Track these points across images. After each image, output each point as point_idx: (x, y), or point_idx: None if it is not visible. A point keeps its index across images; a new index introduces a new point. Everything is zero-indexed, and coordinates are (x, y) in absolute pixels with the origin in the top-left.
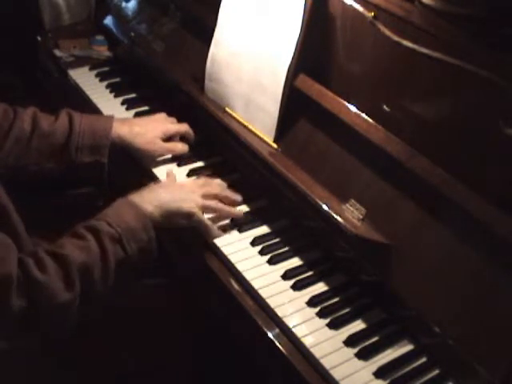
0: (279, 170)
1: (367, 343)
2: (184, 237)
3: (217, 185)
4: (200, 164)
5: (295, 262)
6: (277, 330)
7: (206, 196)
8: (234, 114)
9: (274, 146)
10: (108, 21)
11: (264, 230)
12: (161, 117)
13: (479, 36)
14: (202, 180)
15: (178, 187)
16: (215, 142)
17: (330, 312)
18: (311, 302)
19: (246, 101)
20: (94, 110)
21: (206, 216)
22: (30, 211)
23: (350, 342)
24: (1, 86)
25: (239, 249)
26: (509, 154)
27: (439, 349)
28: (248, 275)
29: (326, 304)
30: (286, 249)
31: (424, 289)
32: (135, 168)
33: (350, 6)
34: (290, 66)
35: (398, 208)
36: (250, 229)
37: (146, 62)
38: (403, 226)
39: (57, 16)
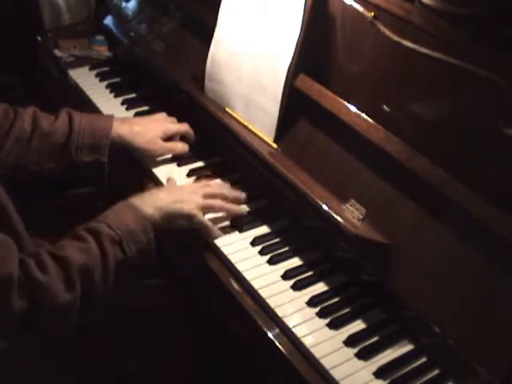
0: (279, 170)
1: (367, 343)
2: (184, 237)
3: (217, 185)
4: (200, 164)
5: (295, 261)
6: (277, 330)
7: (206, 196)
8: (234, 114)
9: (274, 145)
10: (108, 21)
11: (264, 229)
12: (161, 116)
13: (479, 36)
14: (203, 182)
15: (179, 189)
16: (215, 142)
17: (330, 312)
18: (311, 302)
19: (246, 101)
20: (93, 109)
21: (207, 217)
22: (30, 211)
23: (349, 342)
24: (1, 85)
25: (239, 249)
26: (509, 153)
27: (439, 349)
28: (248, 275)
29: (326, 304)
30: (286, 249)
31: (424, 289)
32: (135, 168)
33: (350, 6)
34: (290, 66)
35: (398, 208)
36: (250, 229)
37: (146, 61)
38: (403, 226)
39: (57, 16)
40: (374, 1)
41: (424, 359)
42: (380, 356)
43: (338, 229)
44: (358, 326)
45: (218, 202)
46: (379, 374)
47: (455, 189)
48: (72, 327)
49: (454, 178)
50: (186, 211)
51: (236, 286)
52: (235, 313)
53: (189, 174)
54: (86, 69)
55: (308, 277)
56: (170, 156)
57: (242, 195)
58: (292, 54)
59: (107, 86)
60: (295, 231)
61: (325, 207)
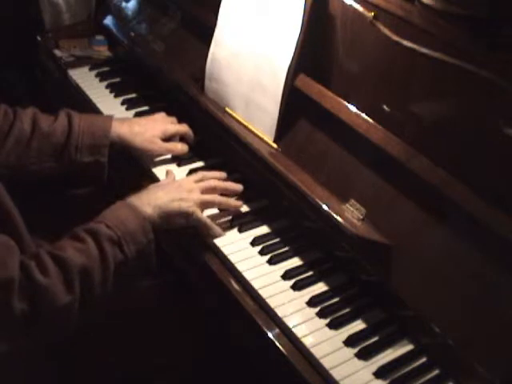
0: (279, 170)
1: (367, 343)
2: (184, 237)
3: (215, 178)
4: (200, 164)
5: (295, 261)
6: (277, 330)
7: (204, 190)
8: (234, 114)
9: (274, 145)
10: (108, 21)
11: (264, 229)
12: (160, 116)
13: (479, 36)
14: (200, 174)
15: (176, 187)
16: (215, 142)
17: (330, 312)
18: (311, 302)
19: (246, 101)
20: (93, 109)
21: (206, 214)
22: (30, 211)
23: (349, 342)
24: (1, 85)
25: (239, 249)
26: (509, 153)
27: (439, 349)
28: (248, 275)
29: (326, 304)
30: (286, 249)
31: (424, 289)
32: (135, 168)
33: (350, 5)
34: (289, 66)
35: (398, 208)
36: (250, 229)
37: (145, 62)
38: (403, 226)
39: (57, 16)
40: (374, 1)
41: (424, 359)
42: (380, 356)
43: (338, 229)
44: (357, 326)
45: (216, 197)
46: (379, 373)
47: (455, 189)
48: (72, 328)
49: (454, 178)
50: (184, 209)
51: (236, 286)
52: (235, 313)
53: (189, 174)
54: (85, 69)
55: (308, 277)
56: (169, 156)
57: (239, 187)
58: (292, 54)
59: (107, 86)
60: (295, 231)
61: (325, 207)
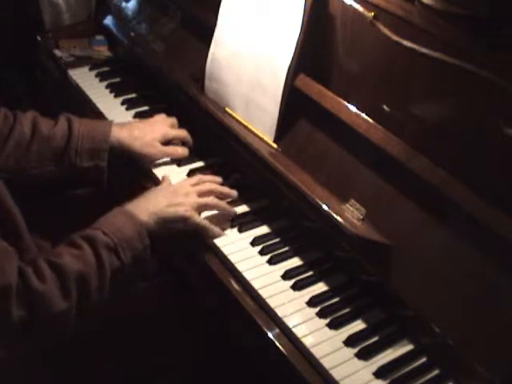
0: (279, 170)
1: (367, 343)
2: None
3: (211, 181)
4: (200, 164)
5: (295, 261)
6: (277, 330)
7: (201, 194)
8: (234, 114)
9: (274, 145)
10: (108, 21)
11: (264, 229)
12: (161, 118)
13: (479, 36)
14: (196, 178)
15: (172, 192)
16: (215, 142)
17: (330, 312)
18: (311, 302)
19: (246, 101)
20: (93, 110)
21: (204, 215)
22: (30, 211)
23: (349, 342)
24: (1, 85)
25: (239, 249)
26: (509, 153)
27: (439, 349)
28: (248, 275)
29: (326, 304)
30: (286, 249)
31: (424, 289)
32: (134, 172)
33: (350, 5)
34: (289, 66)
35: (398, 208)
36: (250, 229)
37: (145, 62)
38: (403, 226)
39: (57, 16)
40: (374, 1)
41: (424, 359)
42: (380, 356)
43: (338, 229)
44: (357, 326)
45: (212, 200)
46: (379, 373)
47: (455, 189)
48: (69, 334)
49: (454, 178)
50: (180, 214)
51: (236, 286)
52: (235, 313)
53: (189, 174)
54: (85, 69)
55: (308, 277)
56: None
57: (234, 193)
58: (292, 54)
59: (107, 86)
60: (295, 231)
61: (325, 207)
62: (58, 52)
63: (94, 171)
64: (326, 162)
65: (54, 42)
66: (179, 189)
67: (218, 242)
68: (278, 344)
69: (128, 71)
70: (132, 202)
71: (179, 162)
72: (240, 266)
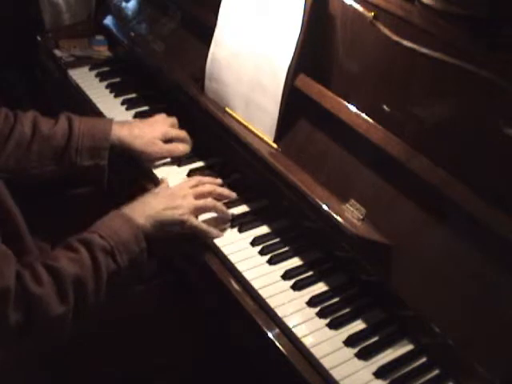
0: (279, 170)
1: (367, 343)
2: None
3: (209, 183)
4: (200, 164)
5: (295, 261)
6: (277, 330)
7: (198, 196)
8: (234, 114)
9: (274, 145)
10: (108, 21)
11: (264, 229)
12: (161, 117)
13: (479, 36)
14: (194, 180)
15: (169, 195)
16: (215, 142)
17: (330, 312)
18: (311, 302)
19: (246, 101)
20: (93, 109)
21: (202, 218)
22: (30, 211)
23: (349, 342)
24: (1, 85)
25: (239, 249)
26: (509, 153)
27: (439, 349)
28: (248, 275)
29: (326, 304)
30: (286, 249)
31: (424, 289)
32: (135, 171)
33: (350, 5)
34: (289, 66)
35: (398, 208)
36: (250, 229)
37: (145, 62)
38: (403, 226)
39: (57, 16)
40: (374, 1)
41: (424, 359)
42: (380, 356)
43: (338, 229)
44: (357, 326)
45: (210, 202)
46: (379, 373)
47: (455, 189)
48: (66, 337)
49: (454, 178)
50: (177, 218)
51: (236, 286)
52: (235, 313)
53: (189, 174)
54: (85, 69)
55: (308, 277)
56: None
57: (233, 194)
58: (292, 54)
59: (107, 86)
60: (295, 231)
61: (325, 207)
62: (58, 52)
63: (94, 170)
64: (326, 162)
65: (54, 42)
66: (177, 191)
67: (218, 242)
68: (277, 344)
69: (128, 71)
70: (129, 205)
71: (179, 162)
72: (240, 266)
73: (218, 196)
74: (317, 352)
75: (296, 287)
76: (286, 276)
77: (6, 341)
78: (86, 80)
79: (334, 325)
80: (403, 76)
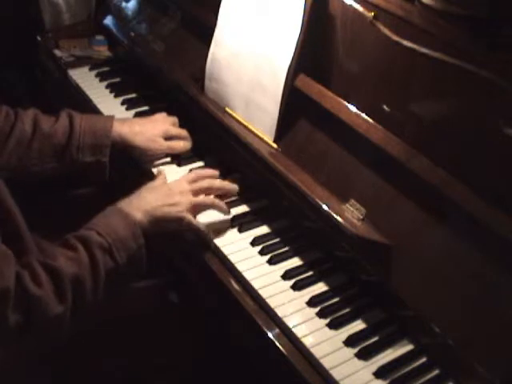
0: (279, 170)
1: (367, 343)
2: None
3: (208, 176)
4: (200, 164)
5: (295, 261)
6: (277, 330)
7: (196, 192)
8: (234, 114)
9: (274, 145)
10: (108, 21)
11: (264, 229)
12: (161, 116)
13: (479, 36)
14: (193, 174)
15: (167, 191)
16: (215, 142)
17: (330, 312)
18: (311, 302)
19: (246, 101)
20: (93, 109)
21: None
22: (31, 211)
23: (349, 342)
24: (1, 85)
25: (239, 249)
26: (509, 153)
27: (439, 349)
28: (248, 275)
29: (326, 304)
30: (286, 249)
31: (424, 289)
32: (136, 168)
33: (350, 5)
34: (290, 66)
35: (398, 208)
36: (250, 229)
37: (145, 62)
38: (403, 226)
39: (57, 16)
40: (374, 1)
41: (424, 359)
42: (380, 356)
43: (338, 229)
44: (357, 326)
45: (208, 199)
46: (379, 373)
47: (455, 189)
48: (64, 336)
49: (454, 178)
50: (174, 215)
51: (236, 286)
52: (235, 313)
53: None
54: (85, 69)
55: (308, 277)
56: (169, 157)
57: (234, 187)
58: (292, 54)
59: (107, 86)
60: (295, 231)
61: (325, 207)
62: (58, 52)
63: (95, 166)
64: (326, 162)
65: (54, 42)
66: (175, 187)
67: (218, 242)
68: (278, 344)
69: (128, 71)
70: (125, 200)
71: (179, 161)
72: (240, 266)
73: (217, 191)
74: (317, 352)
75: (296, 287)
76: (286, 276)
77: (6, 341)
78: (86, 80)
79: (333, 325)
80: (403, 76)
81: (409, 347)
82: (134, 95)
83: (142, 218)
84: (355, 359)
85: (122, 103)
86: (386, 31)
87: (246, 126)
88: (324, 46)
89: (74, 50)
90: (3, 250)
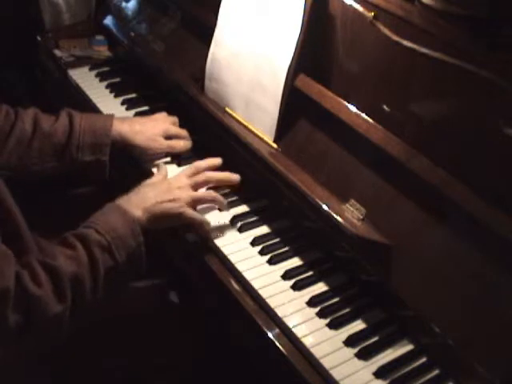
0: (279, 170)
1: (367, 343)
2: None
3: (209, 166)
4: None
5: (295, 261)
6: (277, 330)
7: (196, 186)
8: (234, 114)
9: (274, 145)
10: (108, 21)
11: (264, 229)
12: (161, 116)
13: (479, 36)
14: (192, 168)
15: (166, 187)
16: (215, 142)
17: (330, 312)
18: (311, 302)
19: (246, 101)
20: (93, 109)
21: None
22: (31, 211)
23: (349, 342)
24: (1, 85)
25: (239, 249)
26: (509, 153)
27: (439, 349)
28: (248, 275)
29: (326, 304)
30: (286, 249)
31: (424, 289)
32: (136, 167)
33: (350, 5)
34: (290, 66)
35: (398, 208)
36: (249, 229)
37: (145, 62)
38: (403, 226)
39: (57, 16)
40: (374, 1)
41: (424, 359)
42: (380, 356)
43: (338, 229)
44: (357, 326)
45: (208, 194)
46: (379, 373)
47: (455, 189)
48: (63, 335)
49: (454, 178)
50: (173, 211)
51: (236, 286)
52: (235, 313)
53: None
54: (85, 69)
55: (308, 277)
56: (169, 157)
57: (236, 177)
58: (292, 54)
59: (107, 86)
60: (295, 231)
61: (325, 207)
62: (58, 52)
63: (95, 165)
64: (326, 162)
65: (54, 42)
66: (174, 182)
67: (218, 241)
68: (278, 344)
69: (128, 71)
70: (124, 197)
71: (179, 161)
72: (240, 266)
73: (217, 182)
74: (317, 352)
75: (296, 287)
76: (286, 276)
77: (5, 340)
78: (86, 80)
79: (334, 325)
80: (403, 76)
81: (409, 347)
82: (133, 95)
83: (141, 216)
84: (355, 359)
85: (122, 103)
86: (386, 31)
87: (246, 126)
88: (324, 46)
89: (74, 50)
90: (3, 250)
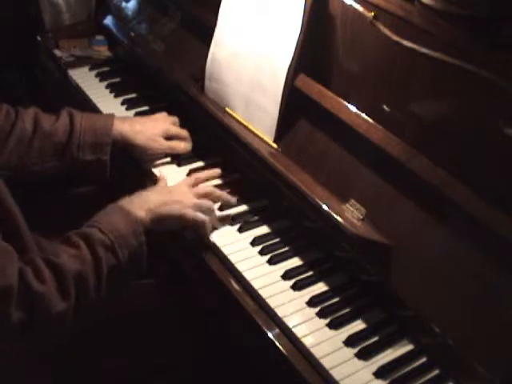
0: (279, 170)
1: (367, 343)
2: (184, 236)
3: (207, 177)
4: (200, 164)
5: (295, 261)
6: (277, 330)
7: (197, 196)
8: (234, 114)
9: (274, 145)
10: (108, 21)
11: (264, 229)
12: (162, 116)
13: (479, 36)
14: (193, 178)
15: (168, 191)
16: (215, 142)
17: (330, 312)
18: (311, 302)
19: (246, 101)
20: (93, 109)
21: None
22: (31, 210)
23: (349, 342)
24: (1, 85)
25: (239, 249)
26: (509, 153)
27: (439, 349)
28: (248, 275)
29: (326, 304)
30: (286, 249)
31: (424, 289)
32: (136, 167)
33: (350, 5)
34: (290, 66)
35: (398, 208)
36: (249, 229)
37: (145, 62)
38: (403, 226)
39: (57, 16)
40: (374, 1)
41: (424, 359)
42: (380, 356)
43: (338, 229)
44: (357, 326)
45: (208, 202)
46: (379, 373)
47: (455, 189)
48: (66, 333)
49: (454, 178)
50: (176, 213)
51: (236, 286)
52: (235, 313)
53: (189, 174)
54: (85, 69)
55: (308, 277)
56: (169, 157)
57: (232, 200)
58: (292, 54)
59: (107, 86)
60: (295, 231)
61: (325, 207)
62: (58, 52)
63: (96, 165)
64: (326, 162)
65: (54, 42)
66: (175, 189)
67: (218, 242)
68: (278, 344)
69: (128, 71)
70: (127, 199)
71: (179, 161)
72: (240, 266)
73: (216, 198)
74: (317, 352)
75: (296, 287)
76: (286, 276)
77: (8, 338)
78: (86, 80)
79: (334, 325)
80: (403, 76)
81: (409, 347)
82: (133, 95)
83: (144, 216)
84: (355, 359)
85: (122, 103)
86: (386, 31)
87: (246, 126)
88: (324, 46)
89: (74, 50)
90: (5, 247)
